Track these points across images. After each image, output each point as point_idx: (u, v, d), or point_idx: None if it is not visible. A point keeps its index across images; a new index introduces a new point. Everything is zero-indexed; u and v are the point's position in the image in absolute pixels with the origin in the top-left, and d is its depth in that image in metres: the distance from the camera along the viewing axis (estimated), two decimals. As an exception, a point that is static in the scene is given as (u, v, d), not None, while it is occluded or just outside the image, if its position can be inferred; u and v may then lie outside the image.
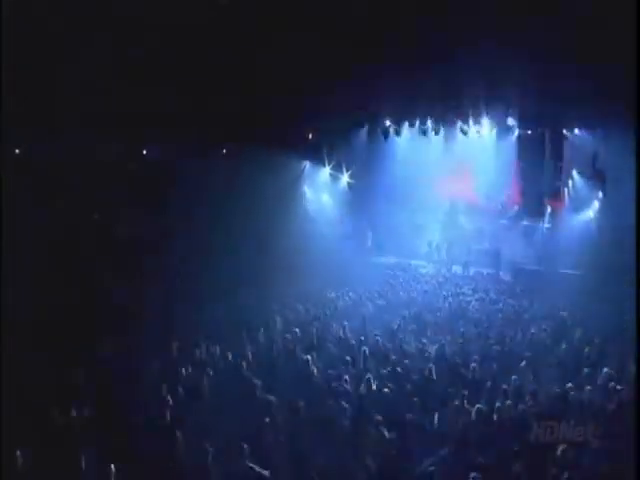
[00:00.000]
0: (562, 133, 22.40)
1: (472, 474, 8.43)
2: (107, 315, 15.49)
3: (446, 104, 22.95)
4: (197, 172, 22.64)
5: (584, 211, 22.04)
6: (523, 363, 12.89)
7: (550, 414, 10.56)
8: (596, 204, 21.77)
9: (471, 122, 23.23)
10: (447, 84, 21.42)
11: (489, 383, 11.76)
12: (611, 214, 20.66)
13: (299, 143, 24.93)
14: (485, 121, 23.18)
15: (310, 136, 25.75)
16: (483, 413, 10.39)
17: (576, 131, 22.14)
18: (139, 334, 14.20)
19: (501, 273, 22.99)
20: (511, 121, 23.15)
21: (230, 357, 13.17)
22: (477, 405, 10.61)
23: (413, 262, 24.81)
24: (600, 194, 21.59)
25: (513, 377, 12.08)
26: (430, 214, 26.29)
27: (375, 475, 9.00)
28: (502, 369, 12.71)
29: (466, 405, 10.72)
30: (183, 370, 12.27)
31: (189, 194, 22.44)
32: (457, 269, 23.92)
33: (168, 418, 10.39)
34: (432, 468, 8.96)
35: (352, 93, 22.45)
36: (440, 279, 22.63)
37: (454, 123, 23.61)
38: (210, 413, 10.65)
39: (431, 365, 12.58)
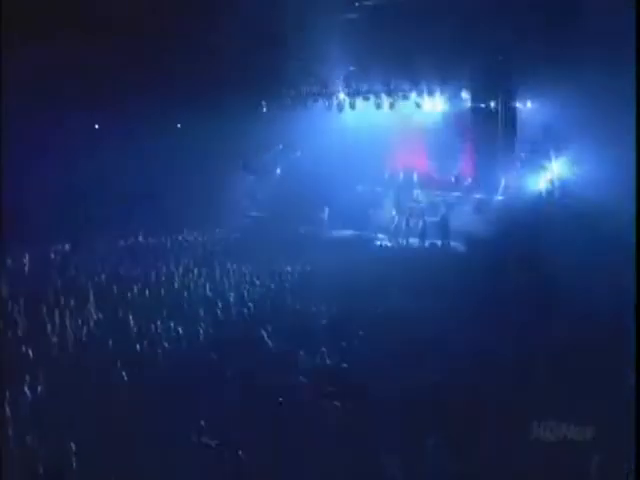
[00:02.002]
0: (515, 106, 22.52)
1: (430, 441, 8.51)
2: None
3: (400, 77, 22.93)
4: (151, 146, 22.42)
5: (537, 183, 22.21)
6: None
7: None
8: (548, 176, 21.96)
9: (425, 95, 23.24)
10: (401, 57, 21.38)
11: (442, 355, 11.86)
12: (564, 187, 21.02)
13: (253, 116, 24.67)
14: (439, 94, 23.20)
15: (265, 109, 25.49)
16: (434, 383, 10.53)
17: (529, 104, 22.28)
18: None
19: (455, 245, 23.18)
20: (465, 94, 23.22)
21: (186, 332, 13.10)
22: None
23: (370, 235, 24.86)
24: (552, 167, 21.79)
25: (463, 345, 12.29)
26: (386, 187, 26.32)
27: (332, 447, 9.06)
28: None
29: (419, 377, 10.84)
30: (138, 346, 12.15)
31: (141, 169, 22.22)
32: (413, 241, 24.04)
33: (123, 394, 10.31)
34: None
35: (307, 65, 22.29)
36: (396, 252, 22.75)
37: (408, 96, 23.58)
38: (165, 389, 10.59)
39: (385, 337, 12.72)
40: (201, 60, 22.22)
